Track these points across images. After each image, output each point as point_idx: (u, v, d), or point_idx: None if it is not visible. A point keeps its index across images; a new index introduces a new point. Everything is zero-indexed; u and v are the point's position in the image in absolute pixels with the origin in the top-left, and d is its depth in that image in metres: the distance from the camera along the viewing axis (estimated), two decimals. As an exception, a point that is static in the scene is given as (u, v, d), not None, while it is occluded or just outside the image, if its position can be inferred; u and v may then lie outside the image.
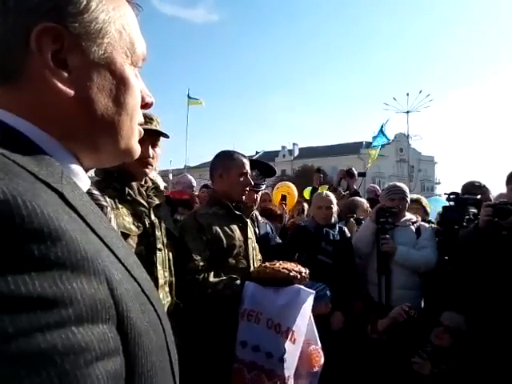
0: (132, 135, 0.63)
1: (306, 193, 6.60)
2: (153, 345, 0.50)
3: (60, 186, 0.47)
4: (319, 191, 4.36)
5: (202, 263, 2.22)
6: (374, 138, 10.17)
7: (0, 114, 0.51)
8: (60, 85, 0.53)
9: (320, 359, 2.37)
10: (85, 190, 0.58)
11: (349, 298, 3.13)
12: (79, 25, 0.53)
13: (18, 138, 0.50)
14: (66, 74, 0.53)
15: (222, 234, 2.33)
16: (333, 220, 3.44)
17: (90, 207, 0.51)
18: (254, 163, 2.76)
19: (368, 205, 4.42)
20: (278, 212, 4.12)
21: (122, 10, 0.59)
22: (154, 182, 2.14)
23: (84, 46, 0.54)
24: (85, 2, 0.54)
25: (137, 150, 0.65)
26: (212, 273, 2.24)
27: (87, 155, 0.59)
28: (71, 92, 0.54)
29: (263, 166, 2.81)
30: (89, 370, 0.38)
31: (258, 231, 2.97)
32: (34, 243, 0.38)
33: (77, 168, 0.58)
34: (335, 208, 3.50)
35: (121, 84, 0.58)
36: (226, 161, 2.45)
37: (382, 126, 9.83)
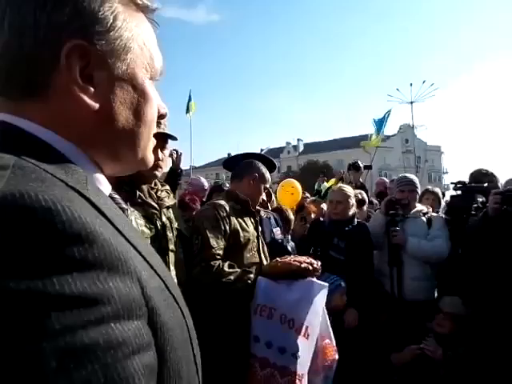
0: (148, 145, 0.66)
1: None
2: (179, 339, 0.53)
3: (86, 192, 0.49)
4: (333, 186, 4.38)
5: (218, 251, 2.26)
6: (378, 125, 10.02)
7: (27, 125, 0.54)
8: (86, 98, 0.56)
9: (334, 354, 2.36)
10: (107, 194, 0.61)
11: (362, 294, 3.10)
12: (105, 42, 0.56)
13: (45, 148, 0.53)
14: (92, 89, 0.56)
15: (239, 227, 2.39)
16: (349, 214, 3.39)
17: (114, 210, 0.54)
18: (254, 158, 2.79)
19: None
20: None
21: (142, 26, 0.62)
22: (163, 184, 2.17)
23: (109, 62, 0.57)
24: (111, 21, 0.56)
25: (151, 159, 0.68)
26: (227, 263, 2.26)
27: (107, 164, 0.63)
28: (96, 105, 0.56)
29: (263, 160, 2.84)
30: (127, 362, 0.41)
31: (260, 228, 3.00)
32: (74, 246, 0.41)
33: (99, 174, 0.61)
34: (351, 202, 3.42)
35: (141, 97, 0.61)
36: (261, 172, 2.62)
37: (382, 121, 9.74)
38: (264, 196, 2.67)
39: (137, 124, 0.61)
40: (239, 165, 2.69)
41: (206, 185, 4.85)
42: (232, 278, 2.22)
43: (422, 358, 2.83)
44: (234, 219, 2.39)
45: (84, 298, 0.40)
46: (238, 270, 2.28)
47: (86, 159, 0.58)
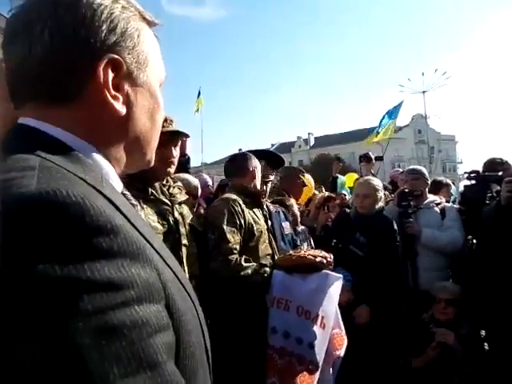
0: (155, 147, 0.73)
1: (350, 179, 6.50)
2: (192, 325, 0.58)
3: (103, 189, 0.54)
4: (357, 179, 4.36)
5: (235, 246, 2.28)
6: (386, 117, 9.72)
7: (49, 129, 0.59)
8: (117, 106, 0.62)
9: (343, 343, 2.40)
10: (119, 191, 0.66)
11: (379, 291, 3.05)
12: (132, 56, 0.64)
13: (65, 149, 0.58)
14: (121, 97, 0.63)
15: (252, 220, 2.43)
16: (376, 208, 3.30)
17: (127, 206, 0.58)
18: (262, 154, 2.81)
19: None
20: None
21: (152, 40, 0.70)
22: (175, 180, 2.19)
23: (134, 73, 0.65)
24: (136, 37, 0.64)
25: (153, 159, 0.75)
26: (243, 257, 2.29)
27: (119, 163, 0.68)
28: (124, 111, 0.63)
29: (271, 156, 2.86)
30: (150, 340, 0.46)
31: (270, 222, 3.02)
32: (101, 237, 0.46)
33: (112, 173, 0.66)
34: (379, 196, 3.31)
35: (155, 104, 0.69)
36: (257, 163, 2.69)
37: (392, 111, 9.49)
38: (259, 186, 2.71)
39: (151, 128, 0.69)
40: (235, 161, 2.72)
41: (209, 181, 4.87)
42: (249, 271, 2.25)
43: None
44: (247, 213, 2.42)
45: (111, 283, 0.45)
46: (254, 263, 2.31)
47: (102, 158, 0.63)
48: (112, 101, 0.61)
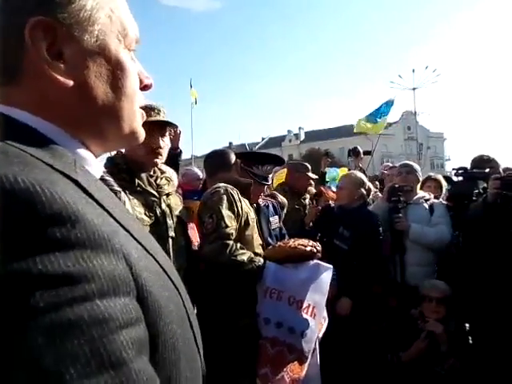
0: (134, 118, 0.64)
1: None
2: (173, 315, 0.54)
3: (75, 175, 0.49)
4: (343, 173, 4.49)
5: (232, 231, 2.28)
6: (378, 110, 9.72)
7: (9, 111, 0.54)
8: (58, 76, 0.54)
9: (323, 325, 2.46)
10: (98, 176, 0.61)
11: (362, 284, 3.11)
12: (68, 15, 0.54)
13: (31, 133, 0.53)
14: (62, 65, 0.54)
15: (248, 209, 2.44)
16: (356, 202, 3.37)
17: (104, 192, 0.54)
18: (266, 157, 2.85)
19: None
20: None
21: None
22: (162, 172, 2.17)
23: (76, 35, 0.55)
24: None
25: (141, 133, 0.66)
26: (239, 244, 2.29)
27: (94, 142, 0.61)
28: (70, 82, 0.55)
29: (274, 158, 2.89)
30: (114, 336, 0.42)
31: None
32: (56, 226, 0.42)
33: (87, 155, 0.60)
34: (359, 190, 3.38)
35: (117, 69, 0.59)
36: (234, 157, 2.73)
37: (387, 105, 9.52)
38: None
39: (117, 97, 0.60)
40: (217, 156, 2.71)
41: (200, 174, 4.82)
42: (245, 258, 2.25)
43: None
44: (243, 203, 2.43)
45: (67, 277, 0.41)
46: (249, 252, 2.32)
47: (72, 139, 0.58)
48: (50, 71, 0.53)
